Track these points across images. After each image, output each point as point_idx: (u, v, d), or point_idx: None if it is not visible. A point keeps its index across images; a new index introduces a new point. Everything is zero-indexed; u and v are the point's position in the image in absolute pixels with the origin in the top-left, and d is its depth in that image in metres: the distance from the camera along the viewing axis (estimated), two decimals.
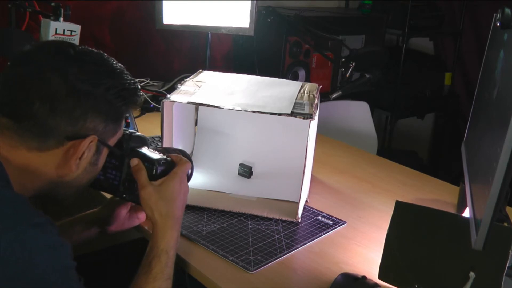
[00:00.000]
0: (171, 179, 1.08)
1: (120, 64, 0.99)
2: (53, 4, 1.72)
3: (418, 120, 3.39)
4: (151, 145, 1.17)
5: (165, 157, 1.11)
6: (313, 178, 1.52)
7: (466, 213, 1.12)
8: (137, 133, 1.12)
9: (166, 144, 1.35)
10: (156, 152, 1.11)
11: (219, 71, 1.60)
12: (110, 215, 1.20)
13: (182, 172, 1.10)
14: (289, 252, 1.19)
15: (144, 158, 1.08)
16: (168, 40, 2.46)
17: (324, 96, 1.88)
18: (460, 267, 1.01)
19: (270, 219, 1.33)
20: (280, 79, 1.55)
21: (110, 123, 0.97)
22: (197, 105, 1.42)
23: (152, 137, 1.78)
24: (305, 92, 1.41)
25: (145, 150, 1.10)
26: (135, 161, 1.07)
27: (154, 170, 1.07)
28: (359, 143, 2.29)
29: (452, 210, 1.42)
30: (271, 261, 1.15)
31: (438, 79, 3.34)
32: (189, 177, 1.18)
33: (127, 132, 1.09)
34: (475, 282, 0.99)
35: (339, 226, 1.33)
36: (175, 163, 1.11)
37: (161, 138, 1.35)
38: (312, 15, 2.67)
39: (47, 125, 0.89)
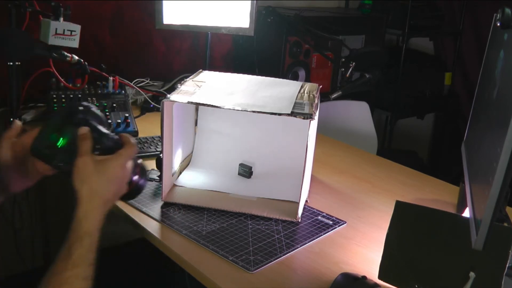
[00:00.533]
0: (114, 159, 1.01)
1: None
2: (53, 4, 1.72)
3: (418, 120, 3.39)
4: (106, 127, 1.12)
5: (114, 134, 1.05)
6: (313, 178, 1.52)
7: (466, 213, 1.12)
8: (94, 109, 1.06)
9: (166, 144, 1.35)
10: (110, 133, 1.06)
11: (219, 71, 1.60)
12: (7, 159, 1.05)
13: (127, 155, 1.03)
14: (289, 252, 1.19)
15: (94, 129, 1.03)
16: (168, 40, 2.46)
17: (324, 96, 1.88)
18: (460, 267, 1.01)
19: (270, 219, 1.33)
20: (280, 79, 1.55)
21: None
22: (197, 105, 1.42)
23: (152, 137, 1.78)
24: (305, 92, 1.41)
25: (95, 123, 1.05)
26: (84, 130, 1.00)
27: (100, 144, 1.01)
28: (359, 143, 2.29)
29: (452, 210, 1.42)
30: (271, 261, 1.15)
31: (438, 79, 3.34)
32: (140, 187, 1.09)
33: (85, 104, 1.05)
34: (475, 282, 0.99)
35: (339, 226, 1.33)
36: (122, 145, 1.04)
37: (161, 138, 1.35)
38: (312, 15, 2.67)
39: None
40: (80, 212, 0.96)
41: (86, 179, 0.97)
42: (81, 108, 1.03)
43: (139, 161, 1.11)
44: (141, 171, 1.11)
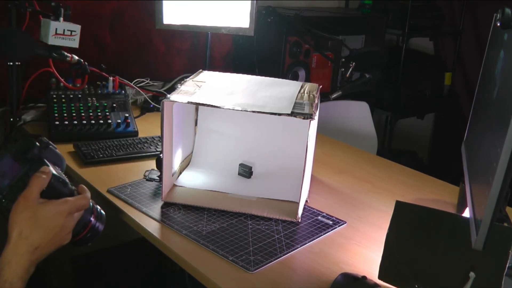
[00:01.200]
0: (57, 205, 0.93)
1: None
2: (53, 4, 1.72)
3: (418, 120, 3.39)
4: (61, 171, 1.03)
5: (67, 181, 0.98)
6: (313, 178, 1.52)
7: (466, 213, 1.12)
8: (53, 147, 1.01)
9: (166, 144, 1.35)
10: (62, 175, 0.99)
11: (219, 71, 1.60)
12: None
13: (75, 204, 0.96)
14: (289, 252, 1.19)
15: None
16: (168, 40, 2.46)
17: (324, 96, 1.88)
18: (460, 267, 1.01)
19: (270, 219, 1.33)
20: (280, 79, 1.55)
21: None
22: (197, 105, 1.42)
23: (152, 137, 1.78)
24: (305, 92, 1.41)
25: (49, 163, 0.97)
26: (47, 169, 0.94)
27: (48, 185, 0.93)
28: (359, 143, 2.29)
29: (452, 210, 1.42)
30: (271, 261, 1.15)
31: (438, 79, 3.34)
32: (96, 232, 1.05)
33: (44, 140, 0.99)
34: (475, 282, 0.99)
35: (339, 226, 1.33)
36: (75, 193, 0.98)
37: (161, 138, 1.35)
38: (312, 15, 2.67)
39: None
40: (4, 257, 0.88)
41: (19, 222, 0.89)
42: (37, 143, 0.96)
43: (97, 206, 1.07)
44: (98, 215, 1.06)
